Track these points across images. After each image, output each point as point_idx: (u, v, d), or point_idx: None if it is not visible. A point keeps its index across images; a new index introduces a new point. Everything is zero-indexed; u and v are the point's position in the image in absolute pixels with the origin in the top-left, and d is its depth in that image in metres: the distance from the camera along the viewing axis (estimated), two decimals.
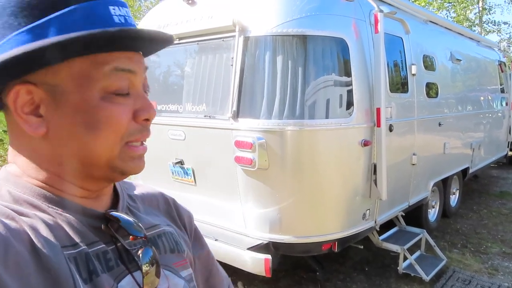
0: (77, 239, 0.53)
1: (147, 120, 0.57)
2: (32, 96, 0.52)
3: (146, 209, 0.70)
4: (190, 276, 0.68)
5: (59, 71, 0.52)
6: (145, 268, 0.58)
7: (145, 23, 3.69)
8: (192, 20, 3.15)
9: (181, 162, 3.27)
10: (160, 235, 0.67)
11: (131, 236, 0.58)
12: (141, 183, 0.79)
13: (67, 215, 0.55)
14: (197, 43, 3.15)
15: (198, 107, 3.13)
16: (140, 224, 0.61)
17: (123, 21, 0.54)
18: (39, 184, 0.55)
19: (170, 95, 3.38)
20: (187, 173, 3.28)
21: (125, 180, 0.70)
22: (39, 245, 0.48)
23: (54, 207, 0.54)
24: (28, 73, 0.51)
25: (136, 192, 0.73)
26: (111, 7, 0.53)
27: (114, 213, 0.59)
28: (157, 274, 0.59)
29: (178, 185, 3.40)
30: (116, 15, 0.54)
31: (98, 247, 0.56)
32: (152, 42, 0.59)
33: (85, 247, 0.53)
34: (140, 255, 0.58)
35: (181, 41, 3.23)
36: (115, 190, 0.66)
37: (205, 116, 3.05)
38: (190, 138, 3.17)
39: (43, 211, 0.53)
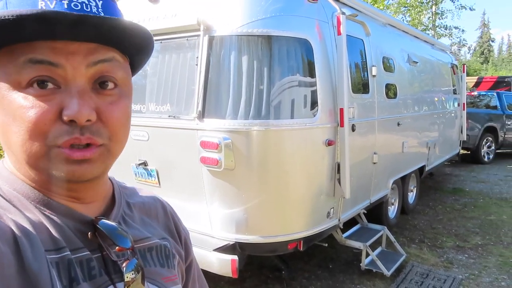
0: (61, 244, 0.51)
1: (73, 121, 0.49)
2: None
3: (143, 219, 0.67)
4: None
5: None
6: (128, 276, 0.55)
7: None
8: (155, 18, 3.08)
9: (144, 163, 3.19)
10: (151, 248, 0.64)
11: (117, 247, 0.56)
12: (146, 189, 0.75)
13: (54, 217, 0.52)
14: (161, 42, 3.09)
15: (162, 107, 3.07)
16: (130, 235, 0.58)
17: (52, 5, 0.47)
18: (29, 182, 0.53)
19: (133, 94, 3.28)
20: (151, 174, 3.20)
21: (127, 185, 0.68)
22: (22, 247, 0.46)
23: (42, 207, 0.52)
24: None
25: (137, 199, 0.69)
26: (40, 1, 0.48)
27: (104, 221, 0.56)
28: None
29: (141, 187, 3.31)
30: (44, 0, 0.47)
31: (83, 253, 0.53)
32: (84, 27, 0.48)
33: (69, 252, 0.51)
34: (124, 267, 0.56)
35: None
36: (114, 196, 0.64)
37: (169, 116, 3.00)
38: (154, 138, 3.10)
39: (30, 211, 0.51)
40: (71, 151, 0.50)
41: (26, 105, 0.48)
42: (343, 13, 3.11)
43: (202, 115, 2.78)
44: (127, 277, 0.55)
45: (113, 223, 0.57)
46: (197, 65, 2.81)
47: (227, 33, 2.77)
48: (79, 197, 0.57)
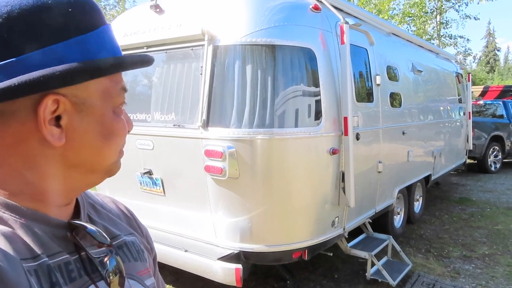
0: (38, 251, 0.52)
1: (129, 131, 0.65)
2: (57, 106, 0.53)
3: (109, 218, 0.70)
4: (153, 285, 0.69)
5: (89, 86, 0.57)
6: (111, 275, 0.58)
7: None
8: (160, 29, 3.12)
9: (149, 172, 3.21)
10: (123, 244, 0.67)
11: (97, 244, 0.58)
12: (99, 193, 0.79)
13: (30, 225, 0.53)
14: (166, 52, 3.12)
15: (167, 116, 3.09)
16: (103, 233, 0.61)
17: (118, 44, 0.62)
18: (3, 193, 0.54)
19: (138, 104, 3.32)
20: (155, 183, 3.22)
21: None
22: None
23: (16, 216, 0.53)
24: (70, 85, 0.54)
25: (97, 201, 0.72)
26: (109, 31, 0.60)
27: (79, 222, 0.59)
28: (121, 284, 0.59)
29: (146, 196, 3.32)
30: (114, 38, 0.61)
31: (61, 258, 0.54)
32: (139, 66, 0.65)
33: (46, 258, 0.52)
34: (107, 262, 0.58)
35: (149, 50, 3.19)
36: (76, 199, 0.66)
37: (174, 125, 3.02)
38: (159, 147, 3.12)
39: (3, 221, 0.52)
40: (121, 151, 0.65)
41: (121, 121, 0.62)
42: (347, 23, 3.13)
43: (206, 124, 2.79)
44: (110, 275, 0.58)
45: (87, 224, 0.60)
46: (201, 74, 2.84)
47: (231, 43, 2.79)
48: (72, 199, 0.62)
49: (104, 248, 0.60)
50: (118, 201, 0.79)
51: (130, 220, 0.77)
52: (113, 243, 0.65)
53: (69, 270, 0.55)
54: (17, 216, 0.53)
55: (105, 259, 0.58)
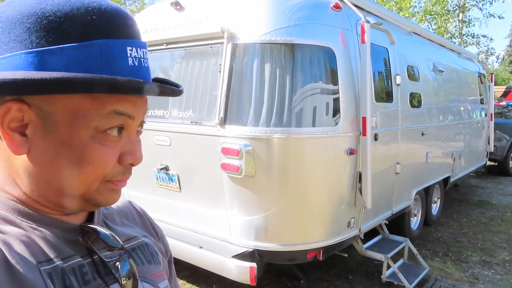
0: (52, 254, 0.52)
1: (132, 164, 0.57)
2: (22, 115, 0.50)
3: (122, 221, 0.70)
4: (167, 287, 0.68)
5: (56, 101, 0.50)
6: (123, 281, 0.57)
7: None
8: (180, 26, 3.13)
9: (166, 168, 3.23)
10: (137, 247, 0.67)
11: (108, 248, 0.58)
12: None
13: (42, 229, 0.54)
14: (185, 49, 3.13)
15: (185, 113, 3.10)
16: (117, 237, 0.60)
17: (136, 63, 0.53)
18: (14, 199, 0.54)
19: (156, 100, 3.34)
20: (172, 179, 3.24)
21: None
22: (13, 262, 0.47)
23: (29, 221, 0.53)
24: (25, 95, 0.50)
25: (117, 204, 0.72)
26: (128, 48, 0.52)
27: (91, 226, 0.59)
28: (134, 286, 0.59)
29: (162, 191, 3.35)
30: (131, 57, 0.53)
31: (74, 261, 0.55)
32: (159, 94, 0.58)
33: (60, 262, 0.53)
34: (119, 266, 0.58)
35: (168, 47, 3.20)
36: None
37: (191, 122, 3.03)
38: (176, 144, 3.14)
39: (17, 226, 0.52)
40: (119, 182, 0.57)
41: (101, 151, 0.53)
42: (368, 22, 3.08)
43: (223, 121, 2.79)
44: (123, 279, 0.57)
45: (100, 228, 0.59)
46: (220, 72, 2.84)
47: (250, 41, 2.78)
48: (77, 213, 0.60)
49: (117, 251, 0.59)
50: (135, 203, 0.78)
51: (145, 222, 0.76)
52: (127, 246, 0.65)
53: (83, 273, 0.55)
54: (29, 221, 0.54)
55: (117, 263, 0.58)
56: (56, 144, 0.51)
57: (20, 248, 0.49)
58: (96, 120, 0.51)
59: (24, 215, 0.53)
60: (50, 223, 0.55)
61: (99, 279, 0.56)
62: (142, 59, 0.54)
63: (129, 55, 0.52)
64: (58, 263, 0.52)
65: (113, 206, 0.72)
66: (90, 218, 0.62)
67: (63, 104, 0.50)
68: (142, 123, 0.60)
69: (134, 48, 0.53)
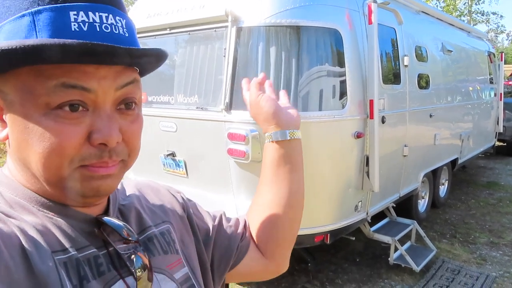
0: (67, 244, 0.52)
1: (104, 145, 0.50)
2: None
3: (142, 208, 0.68)
4: (186, 276, 0.67)
5: (8, 80, 0.49)
6: (139, 271, 0.57)
7: (135, 12, 3.61)
8: (183, 10, 3.08)
9: (172, 154, 3.23)
10: (152, 237, 0.66)
11: (123, 241, 0.58)
12: (140, 180, 0.77)
13: (58, 219, 0.54)
14: (189, 33, 3.09)
15: (190, 98, 3.08)
16: (131, 229, 0.60)
17: (85, 28, 0.47)
18: (30, 187, 0.54)
19: (161, 86, 3.32)
20: (178, 165, 3.24)
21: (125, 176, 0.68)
22: (29, 250, 0.47)
23: (45, 210, 0.53)
24: None
25: (135, 191, 0.71)
26: (72, 13, 0.47)
27: (106, 218, 0.58)
28: (150, 279, 0.58)
29: (169, 177, 3.36)
30: (76, 22, 0.47)
31: (89, 251, 0.54)
32: (117, 56, 0.49)
33: (75, 252, 0.52)
34: (134, 259, 0.57)
35: (172, 31, 3.16)
36: None
37: (197, 107, 3.01)
38: (182, 130, 3.13)
39: (34, 214, 0.52)
40: (96, 168, 0.52)
41: (57, 128, 0.48)
42: (375, 1, 3.01)
43: (229, 107, 2.77)
44: (138, 271, 0.57)
45: (116, 220, 0.59)
46: (224, 56, 2.80)
47: (255, 24, 2.73)
48: (91, 205, 0.58)
49: (131, 244, 0.59)
50: (160, 184, 0.77)
51: (172, 200, 0.76)
52: (142, 237, 0.64)
53: (98, 264, 0.55)
54: (45, 210, 0.54)
55: (132, 256, 0.58)
56: (19, 126, 0.49)
57: (36, 237, 0.49)
58: (44, 95, 0.47)
59: (41, 204, 0.53)
60: (66, 213, 0.55)
61: (114, 270, 0.56)
62: (96, 24, 0.48)
63: (72, 20, 0.47)
64: (73, 253, 0.52)
65: (137, 190, 0.71)
66: (107, 209, 0.62)
67: (13, 82, 0.49)
68: (131, 102, 0.54)
69: (81, 12, 0.47)
